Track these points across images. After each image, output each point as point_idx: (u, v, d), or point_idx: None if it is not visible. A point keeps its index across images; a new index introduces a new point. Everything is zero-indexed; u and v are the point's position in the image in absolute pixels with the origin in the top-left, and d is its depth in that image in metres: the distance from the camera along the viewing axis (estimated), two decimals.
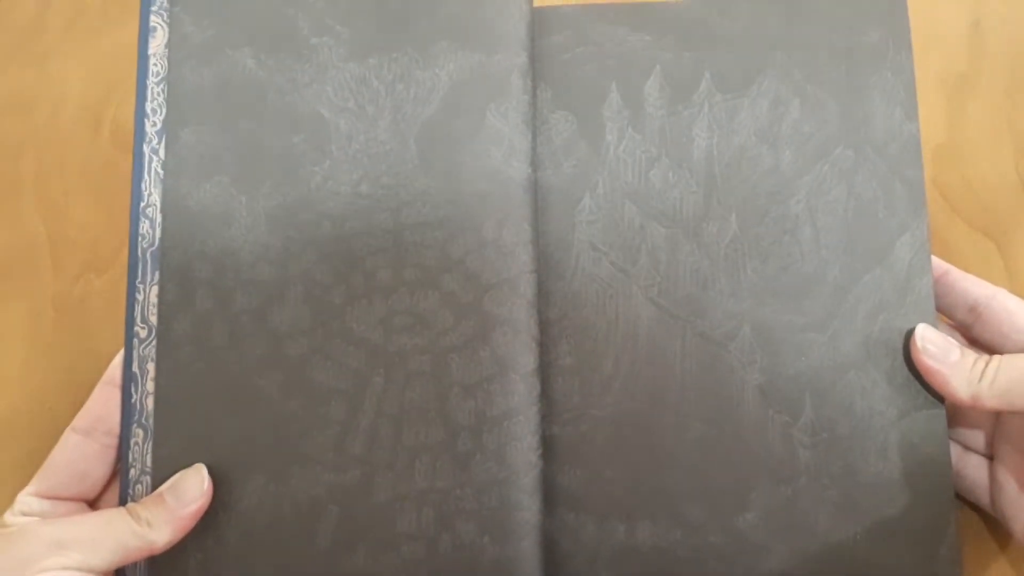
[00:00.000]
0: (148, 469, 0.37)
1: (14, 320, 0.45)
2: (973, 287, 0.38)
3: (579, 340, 0.38)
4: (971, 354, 0.36)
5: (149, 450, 0.37)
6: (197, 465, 0.36)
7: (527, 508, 0.36)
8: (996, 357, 0.35)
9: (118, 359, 0.37)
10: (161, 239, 0.38)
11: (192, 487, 0.36)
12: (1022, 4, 0.48)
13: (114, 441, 0.37)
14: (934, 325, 0.37)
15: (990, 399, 0.34)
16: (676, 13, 0.41)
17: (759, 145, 0.39)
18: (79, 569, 0.32)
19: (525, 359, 0.37)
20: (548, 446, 0.37)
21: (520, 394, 0.37)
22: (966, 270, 0.39)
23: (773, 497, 0.37)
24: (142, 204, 0.38)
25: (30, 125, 0.48)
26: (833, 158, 0.39)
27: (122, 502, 0.37)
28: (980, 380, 0.35)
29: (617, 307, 0.38)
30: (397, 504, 0.36)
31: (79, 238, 0.46)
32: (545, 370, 0.38)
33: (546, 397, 0.38)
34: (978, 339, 0.38)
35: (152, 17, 0.40)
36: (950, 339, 0.37)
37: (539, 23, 0.41)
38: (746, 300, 0.38)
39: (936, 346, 0.36)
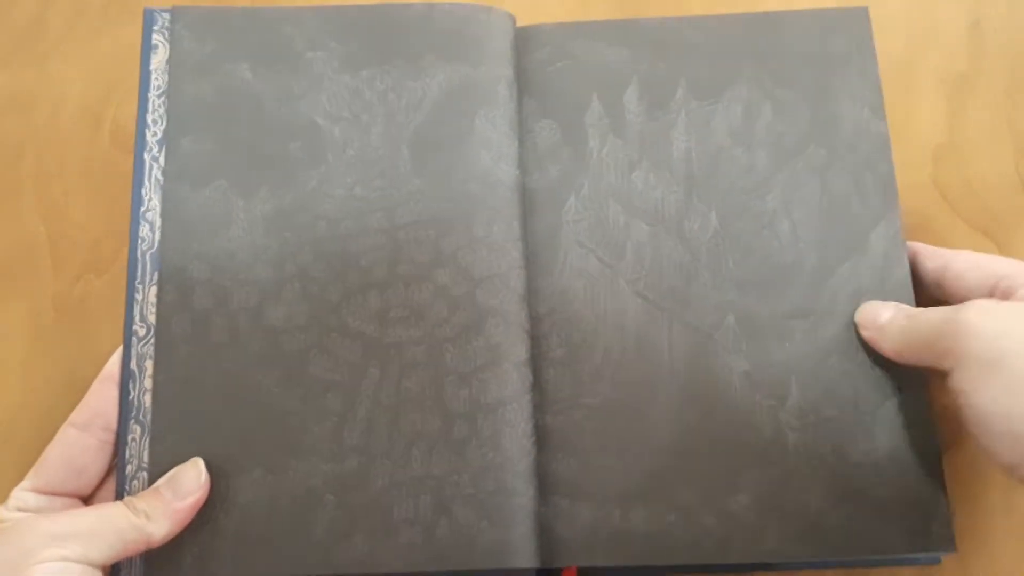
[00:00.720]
0: (145, 465, 0.37)
1: (14, 320, 0.45)
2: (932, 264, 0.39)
3: (569, 333, 0.39)
4: (902, 313, 0.37)
5: (146, 446, 0.37)
6: (194, 459, 0.37)
7: (523, 493, 0.37)
8: (912, 311, 0.37)
9: (116, 355, 0.38)
10: (160, 241, 0.39)
11: (189, 480, 0.36)
12: (1022, 4, 0.48)
13: (111, 437, 0.37)
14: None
15: (909, 354, 0.36)
16: (651, 29, 0.43)
17: (735, 146, 0.41)
18: (78, 561, 0.32)
19: (517, 349, 0.38)
20: (542, 436, 0.38)
21: (513, 382, 0.38)
22: None
23: (764, 479, 0.37)
24: (142, 208, 0.40)
25: (30, 125, 0.48)
26: (806, 156, 0.41)
27: (118, 498, 0.37)
28: (901, 336, 0.36)
29: (605, 300, 0.40)
30: (394, 491, 0.36)
31: (79, 238, 0.46)
32: (537, 362, 0.39)
33: (538, 388, 0.39)
34: None
35: (154, 35, 0.42)
36: (886, 304, 0.38)
37: (522, 41, 0.43)
38: (729, 291, 0.40)
39: (866, 315, 0.38)
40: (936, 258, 0.39)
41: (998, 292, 0.36)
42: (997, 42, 0.48)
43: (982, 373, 0.32)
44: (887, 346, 0.37)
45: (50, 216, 0.47)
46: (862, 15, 0.43)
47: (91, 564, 0.33)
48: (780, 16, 0.43)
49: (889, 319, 0.37)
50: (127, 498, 0.35)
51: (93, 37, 0.50)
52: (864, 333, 0.38)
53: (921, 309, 0.37)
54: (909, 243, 0.40)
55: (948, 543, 0.36)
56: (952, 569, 0.39)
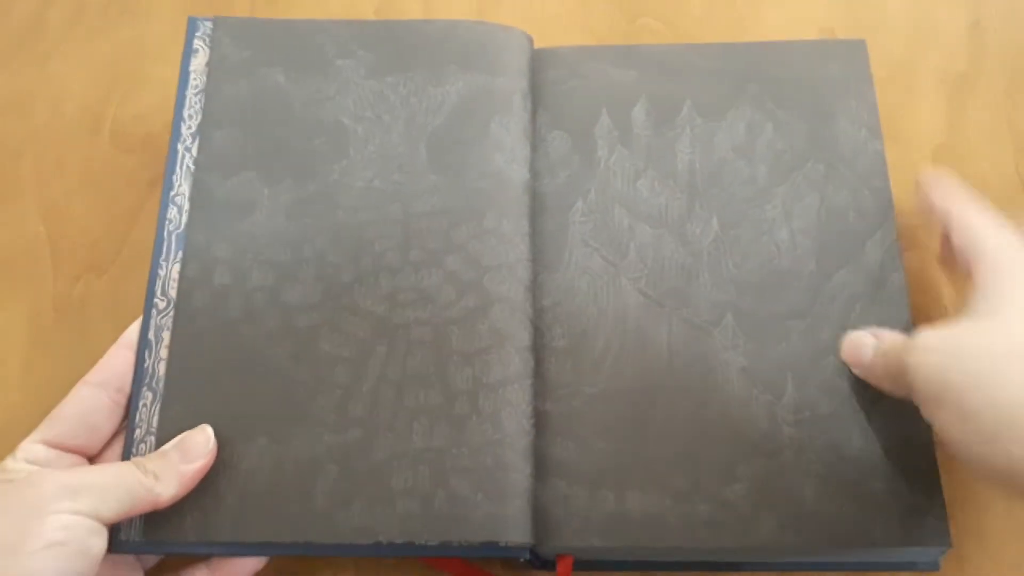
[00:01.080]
0: (153, 430, 0.38)
1: (14, 321, 0.45)
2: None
3: (571, 324, 0.41)
4: (880, 351, 0.37)
5: (156, 412, 0.38)
6: (202, 425, 0.38)
7: (520, 470, 0.37)
8: (885, 347, 0.37)
9: (134, 325, 0.40)
10: (187, 223, 0.41)
11: (198, 445, 0.37)
12: (1022, 4, 0.49)
13: (123, 399, 0.38)
14: (906, 315, 0.40)
15: (899, 392, 0.36)
16: (658, 54, 0.46)
17: (737, 160, 0.43)
18: (88, 515, 0.33)
19: (521, 335, 0.39)
20: (541, 420, 0.39)
21: (515, 365, 0.39)
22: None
23: (760, 470, 0.38)
24: (172, 193, 0.42)
25: (30, 125, 0.49)
26: (805, 171, 0.43)
27: (125, 459, 0.38)
28: (885, 376, 0.37)
29: (607, 296, 0.41)
30: (395, 462, 0.37)
31: (79, 238, 0.46)
32: (539, 352, 0.40)
33: (540, 376, 0.40)
34: None
35: (196, 41, 0.45)
36: (864, 339, 0.38)
37: (538, 61, 0.46)
38: (728, 291, 0.41)
39: (851, 353, 0.39)
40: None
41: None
42: (997, 42, 0.48)
43: (933, 407, 0.33)
44: (880, 385, 0.38)
45: (50, 216, 0.47)
46: (860, 46, 0.46)
47: (100, 519, 0.33)
48: (782, 45, 0.46)
49: (871, 360, 0.38)
50: (136, 459, 0.36)
51: (93, 37, 0.51)
52: (856, 371, 0.39)
53: (889, 344, 0.37)
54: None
55: (943, 537, 0.36)
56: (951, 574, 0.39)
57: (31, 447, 0.36)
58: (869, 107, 0.44)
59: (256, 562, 0.38)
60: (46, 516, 0.32)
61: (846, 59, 0.45)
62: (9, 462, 0.36)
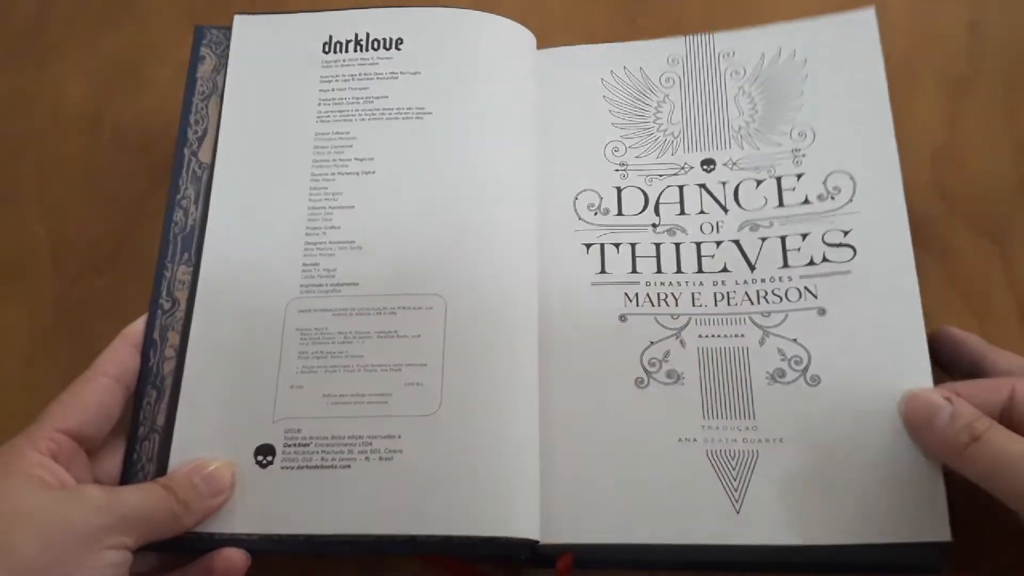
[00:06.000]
0: (157, 428, 0.39)
1: (14, 321, 0.45)
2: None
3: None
4: (962, 418, 0.35)
5: (161, 410, 0.39)
6: (229, 461, 0.37)
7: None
8: (986, 430, 0.34)
9: (138, 322, 0.40)
10: (192, 226, 0.42)
11: (224, 479, 0.37)
12: (1021, 5, 0.49)
13: (128, 395, 0.38)
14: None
15: (973, 475, 0.35)
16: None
17: None
18: (132, 548, 0.33)
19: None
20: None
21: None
22: (966, 272, 0.41)
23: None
24: (178, 196, 0.42)
25: (30, 125, 0.49)
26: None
27: (127, 459, 0.38)
28: (963, 453, 0.35)
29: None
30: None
31: (79, 239, 0.46)
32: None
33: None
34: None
35: (202, 48, 0.45)
36: (938, 400, 0.36)
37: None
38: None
39: (917, 414, 0.37)
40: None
41: None
42: (997, 43, 0.49)
43: None
44: (944, 455, 0.36)
45: (50, 216, 0.47)
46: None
47: (129, 549, 0.33)
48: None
49: (943, 429, 0.35)
50: (168, 481, 0.36)
51: (93, 37, 0.51)
52: (915, 435, 0.37)
53: (969, 417, 0.35)
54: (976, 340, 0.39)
55: (943, 532, 0.36)
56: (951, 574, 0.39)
57: (56, 437, 0.35)
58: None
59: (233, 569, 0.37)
60: (97, 550, 0.32)
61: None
62: (32, 454, 0.34)
